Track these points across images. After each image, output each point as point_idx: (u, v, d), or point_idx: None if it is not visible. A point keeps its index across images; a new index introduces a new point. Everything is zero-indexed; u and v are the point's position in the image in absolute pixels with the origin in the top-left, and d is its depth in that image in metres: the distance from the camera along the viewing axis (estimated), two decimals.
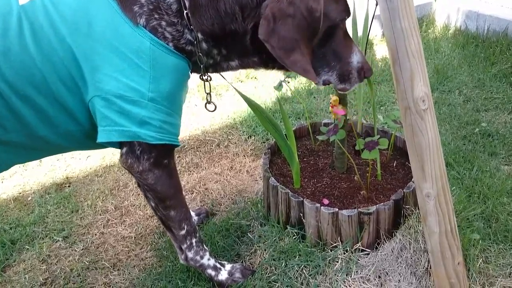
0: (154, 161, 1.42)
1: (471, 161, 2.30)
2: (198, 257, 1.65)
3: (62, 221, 2.16)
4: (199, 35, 1.36)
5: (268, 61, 1.44)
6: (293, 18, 1.26)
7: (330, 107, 1.83)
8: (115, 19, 1.27)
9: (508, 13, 3.43)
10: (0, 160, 1.41)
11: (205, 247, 1.68)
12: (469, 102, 2.89)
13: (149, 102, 1.30)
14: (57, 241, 2.05)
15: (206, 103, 1.57)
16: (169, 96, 1.34)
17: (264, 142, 2.67)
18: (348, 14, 1.42)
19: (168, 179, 1.48)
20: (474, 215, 1.92)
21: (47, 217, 2.20)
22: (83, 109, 1.34)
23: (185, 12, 1.31)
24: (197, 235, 1.65)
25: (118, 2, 1.28)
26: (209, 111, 1.57)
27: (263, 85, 3.32)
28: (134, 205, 2.25)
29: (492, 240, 1.82)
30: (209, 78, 1.48)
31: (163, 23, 1.32)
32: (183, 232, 1.60)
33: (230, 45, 1.41)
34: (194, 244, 1.63)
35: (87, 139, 1.45)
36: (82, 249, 2.00)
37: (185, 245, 1.63)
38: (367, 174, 1.88)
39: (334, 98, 1.79)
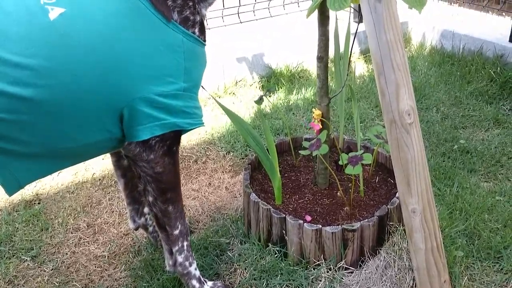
0: (168, 148, 1.42)
1: (452, 178, 2.30)
2: (187, 263, 1.60)
3: (30, 240, 2.05)
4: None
5: None
6: None
7: (313, 120, 1.80)
8: (150, 19, 1.29)
9: (482, 33, 3.49)
10: (22, 171, 1.34)
11: (193, 255, 1.63)
12: (446, 119, 2.90)
13: (184, 92, 1.35)
14: (25, 261, 1.94)
15: None
16: (197, 83, 1.43)
17: (242, 158, 2.61)
18: None
19: (174, 167, 1.47)
20: (457, 232, 1.90)
21: (14, 236, 2.08)
22: (116, 115, 1.33)
23: None
24: (189, 239, 1.60)
25: (151, 1, 1.29)
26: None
27: (241, 100, 3.27)
28: (107, 223, 2.15)
29: (476, 257, 1.80)
30: None
31: (193, 10, 1.39)
32: (176, 232, 1.55)
33: None
34: (185, 247, 1.59)
35: (111, 145, 1.46)
36: (52, 269, 1.90)
37: (176, 247, 1.57)
38: (350, 190, 1.84)
39: (317, 112, 1.76)
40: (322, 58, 1.68)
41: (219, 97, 3.31)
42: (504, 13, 3.43)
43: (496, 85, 3.12)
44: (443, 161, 2.46)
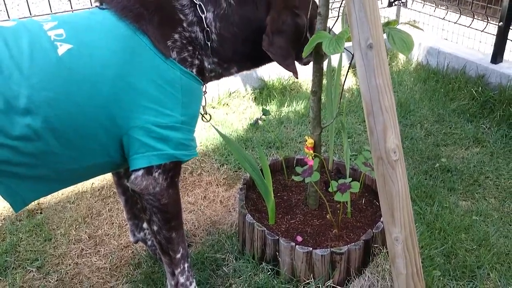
0: (170, 180, 1.54)
1: (432, 197, 2.45)
2: (188, 283, 1.72)
3: (35, 250, 2.16)
4: (215, 59, 1.62)
5: (262, 63, 1.77)
6: (286, 32, 1.61)
7: (305, 148, 1.93)
8: (149, 56, 1.43)
9: (466, 53, 3.65)
10: (28, 192, 1.47)
11: (193, 274, 1.76)
12: (430, 136, 3.05)
13: (182, 125, 1.48)
14: (30, 272, 2.05)
15: (202, 115, 1.74)
16: (194, 116, 1.55)
17: (236, 171, 2.74)
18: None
19: (177, 196, 1.61)
20: (435, 251, 2.06)
21: (19, 246, 2.19)
22: (116, 142, 1.46)
23: (209, 43, 1.56)
24: (189, 260, 1.73)
25: (150, 39, 1.43)
26: (206, 121, 1.75)
27: (234, 111, 3.39)
28: (108, 235, 2.27)
29: (452, 276, 1.96)
30: (205, 92, 1.70)
31: (192, 54, 1.53)
32: (178, 255, 1.67)
33: (235, 61, 1.69)
34: (186, 268, 1.71)
35: (111, 167, 1.62)
36: (57, 280, 2.01)
37: (178, 270, 1.69)
38: (338, 211, 1.98)
39: (309, 140, 1.89)
40: (316, 92, 1.81)
41: (213, 108, 3.43)
42: (489, 18, 3.58)
43: (477, 104, 3.29)
44: (425, 179, 2.61)
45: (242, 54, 1.67)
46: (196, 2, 1.54)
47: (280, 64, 1.64)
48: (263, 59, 1.71)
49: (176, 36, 1.50)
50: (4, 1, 3.05)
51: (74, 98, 1.34)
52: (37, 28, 1.37)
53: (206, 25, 1.55)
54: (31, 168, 1.39)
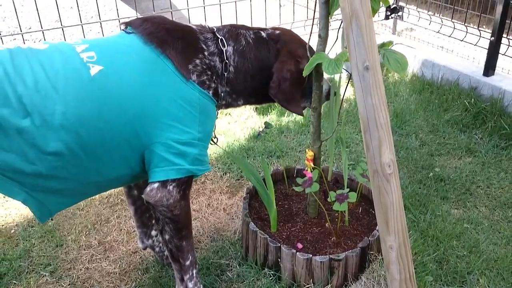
0: (183, 193, 1.66)
1: (426, 205, 2.57)
2: None
3: (47, 256, 2.27)
4: (228, 89, 1.77)
5: (262, 101, 1.93)
6: (290, 79, 1.78)
7: (305, 161, 2.05)
8: (171, 78, 1.56)
9: (459, 65, 3.78)
10: (55, 204, 1.59)
11: (200, 279, 1.87)
12: (424, 146, 3.17)
13: (198, 142, 1.60)
14: (43, 276, 2.15)
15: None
16: (209, 134, 1.68)
17: (238, 179, 2.85)
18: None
19: (188, 208, 1.72)
20: (428, 258, 2.17)
21: (32, 251, 2.30)
22: (138, 156, 1.59)
23: (226, 74, 1.71)
24: (197, 266, 1.84)
25: (173, 63, 1.57)
26: (214, 143, 1.88)
27: (236, 121, 3.51)
28: (117, 241, 2.37)
29: (443, 282, 2.07)
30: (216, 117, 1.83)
31: (210, 78, 1.67)
32: (188, 262, 1.79)
33: (243, 94, 1.84)
34: (194, 275, 1.82)
35: (131, 179, 1.74)
36: (69, 284, 2.12)
37: (187, 276, 1.81)
38: (337, 220, 2.10)
39: (310, 153, 2.01)
40: (316, 108, 1.93)
41: (216, 118, 3.54)
42: (480, 32, 3.71)
43: (470, 115, 3.41)
44: (419, 188, 2.73)
45: (250, 88, 1.83)
46: (218, 36, 1.72)
47: (285, 108, 1.84)
48: (266, 97, 1.86)
49: (197, 61, 1.64)
50: (15, 9, 3.17)
51: (103, 115, 1.47)
52: (70, 50, 1.51)
53: (226, 57, 1.71)
54: (60, 181, 1.51)
